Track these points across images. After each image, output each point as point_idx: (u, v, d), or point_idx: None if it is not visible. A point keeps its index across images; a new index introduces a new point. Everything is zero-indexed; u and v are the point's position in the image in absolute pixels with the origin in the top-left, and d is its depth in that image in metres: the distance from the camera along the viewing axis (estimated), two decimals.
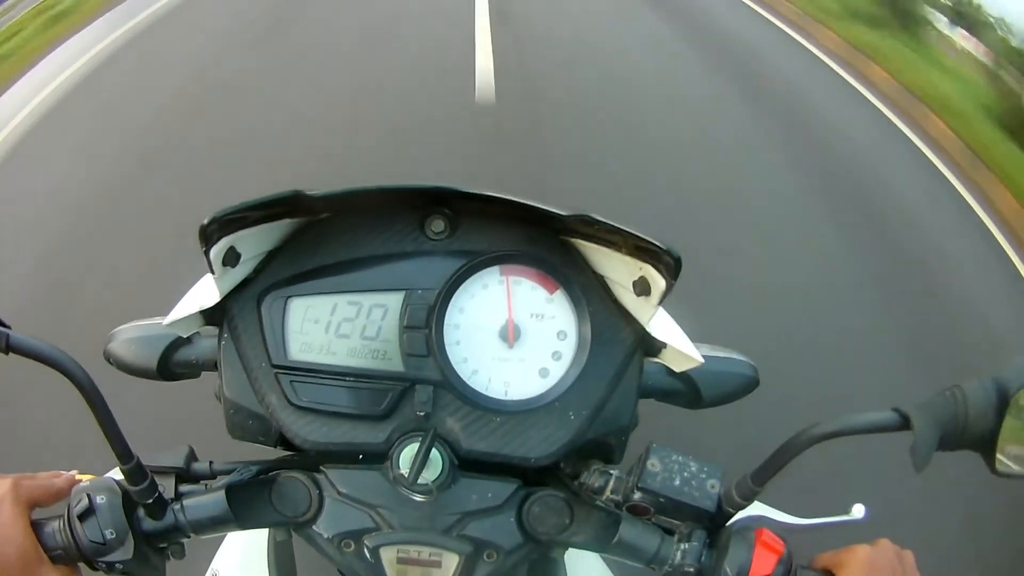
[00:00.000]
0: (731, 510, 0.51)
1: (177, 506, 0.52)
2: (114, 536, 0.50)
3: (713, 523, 0.52)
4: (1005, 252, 3.61)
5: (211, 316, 0.56)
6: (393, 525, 0.54)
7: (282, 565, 0.69)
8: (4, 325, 0.47)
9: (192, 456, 0.55)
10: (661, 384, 0.61)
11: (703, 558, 0.51)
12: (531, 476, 0.56)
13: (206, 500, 0.53)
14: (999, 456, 0.47)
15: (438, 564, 0.54)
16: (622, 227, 0.49)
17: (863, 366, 2.51)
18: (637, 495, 0.51)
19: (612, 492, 0.53)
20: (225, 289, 0.54)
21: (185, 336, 0.59)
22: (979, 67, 6.04)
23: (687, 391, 0.62)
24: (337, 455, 0.55)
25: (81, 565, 0.51)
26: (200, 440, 0.58)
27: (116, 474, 0.52)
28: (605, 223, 0.50)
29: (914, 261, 3.26)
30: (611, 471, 0.54)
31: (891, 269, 3.15)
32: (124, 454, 0.50)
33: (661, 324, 0.55)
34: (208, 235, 0.49)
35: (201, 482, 0.55)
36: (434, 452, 0.52)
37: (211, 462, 0.55)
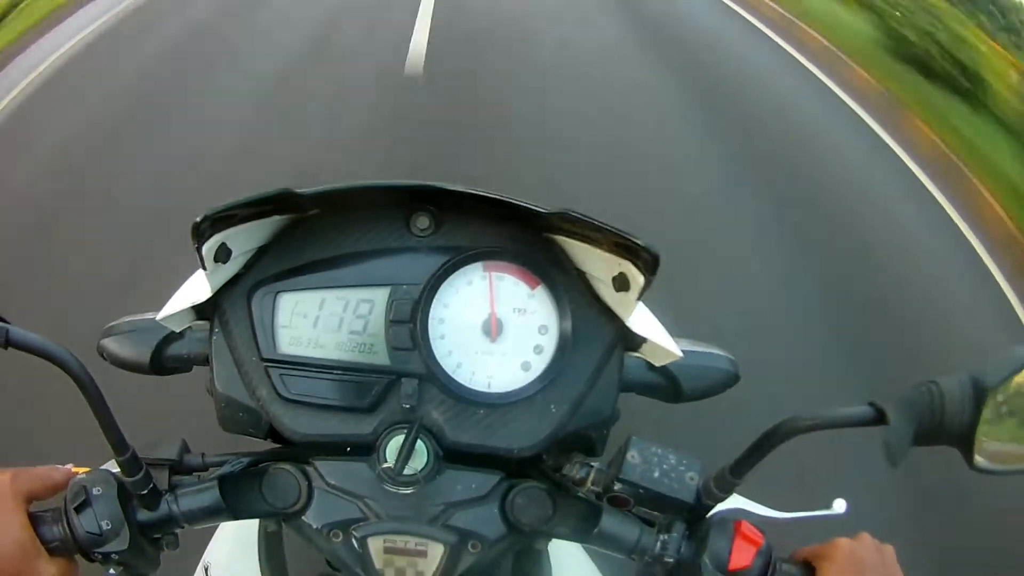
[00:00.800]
0: (710, 502, 0.52)
1: (171, 497, 0.54)
2: (110, 527, 0.51)
3: (693, 515, 0.52)
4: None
5: (203, 311, 0.58)
6: (380, 515, 0.55)
7: (272, 556, 0.71)
8: (3, 320, 0.48)
9: (185, 448, 0.56)
10: (642, 378, 0.62)
11: (683, 549, 0.52)
12: (514, 468, 0.57)
13: (199, 491, 0.54)
14: (977, 452, 0.48)
15: (424, 554, 0.55)
16: (602, 224, 0.50)
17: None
18: (617, 487, 0.52)
19: (593, 484, 0.54)
20: (216, 285, 0.55)
21: (177, 331, 0.61)
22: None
23: (668, 385, 0.63)
24: (326, 447, 0.56)
25: (78, 557, 0.52)
26: (193, 433, 0.59)
27: (112, 466, 0.53)
28: (585, 219, 0.51)
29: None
30: (592, 463, 0.55)
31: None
32: (120, 446, 0.51)
33: (641, 319, 0.55)
34: (200, 232, 0.50)
35: (194, 474, 0.56)
36: (419, 443, 0.53)
37: (203, 454, 0.57)
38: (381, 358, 0.56)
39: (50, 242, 2.74)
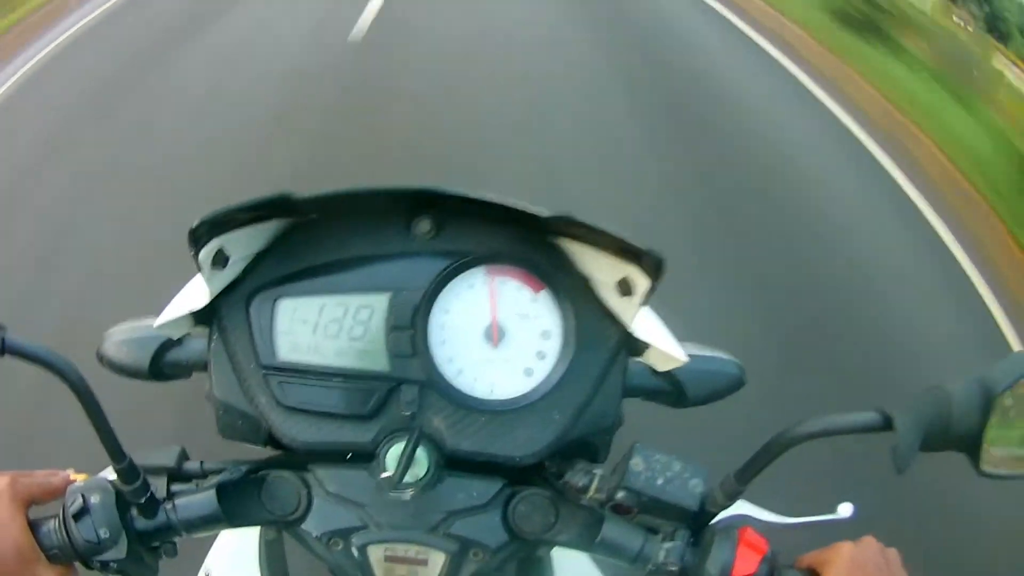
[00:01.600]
0: (715, 510, 0.51)
1: (169, 505, 0.53)
2: (108, 535, 0.51)
3: (696, 522, 0.52)
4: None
5: (201, 317, 0.57)
6: (380, 524, 0.55)
7: (273, 564, 0.70)
8: (1, 327, 0.48)
9: (183, 456, 0.56)
10: (646, 383, 0.61)
11: (686, 557, 0.51)
12: (516, 475, 0.57)
13: (197, 499, 0.54)
14: (984, 457, 0.47)
15: (424, 562, 0.55)
16: (604, 228, 0.50)
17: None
18: (620, 494, 0.51)
19: (596, 491, 0.53)
20: (215, 291, 0.55)
21: (176, 337, 0.60)
22: None
23: (672, 390, 0.62)
24: (325, 454, 0.56)
25: (76, 564, 0.52)
26: (191, 440, 0.59)
27: (109, 473, 0.53)
28: (587, 224, 0.50)
29: None
30: (595, 470, 0.54)
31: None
32: (117, 454, 0.51)
33: (645, 323, 0.55)
34: (197, 237, 0.49)
35: (192, 481, 0.56)
36: (420, 451, 0.52)
37: (202, 462, 0.56)
38: (381, 364, 0.55)
39: None
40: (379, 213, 0.57)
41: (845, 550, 0.50)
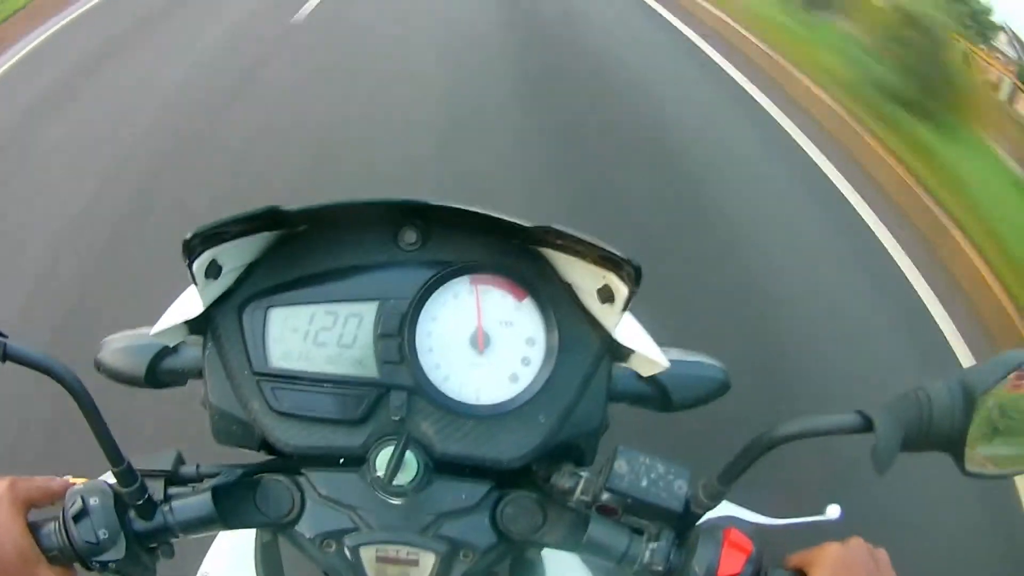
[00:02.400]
0: (699, 511, 0.52)
1: (166, 507, 0.55)
2: (107, 536, 0.52)
3: (682, 523, 0.52)
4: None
5: (196, 326, 0.59)
6: (372, 525, 0.56)
7: (269, 566, 0.71)
8: (2, 335, 0.49)
9: (180, 460, 0.57)
10: (631, 388, 0.61)
11: (672, 557, 0.52)
12: (504, 478, 0.57)
13: (193, 502, 0.55)
14: (968, 457, 0.47)
15: (415, 563, 0.56)
16: (585, 238, 0.51)
17: None
18: (605, 496, 0.52)
19: (582, 493, 0.54)
20: (208, 300, 0.56)
21: (171, 345, 0.62)
22: None
23: (656, 395, 0.62)
24: (317, 458, 0.57)
25: (76, 565, 0.54)
26: (188, 444, 0.60)
27: (108, 477, 0.54)
28: (567, 234, 0.51)
29: None
30: (581, 473, 0.55)
31: None
32: (115, 458, 0.52)
33: (627, 329, 0.56)
34: (191, 249, 0.51)
35: (189, 485, 0.57)
36: (409, 455, 0.53)
37: (198, 465, 0.57)
38: (370, 371, 0.56)
39: None
40: (367, 224, 0.58)
41: (832, 550, 0.50)
